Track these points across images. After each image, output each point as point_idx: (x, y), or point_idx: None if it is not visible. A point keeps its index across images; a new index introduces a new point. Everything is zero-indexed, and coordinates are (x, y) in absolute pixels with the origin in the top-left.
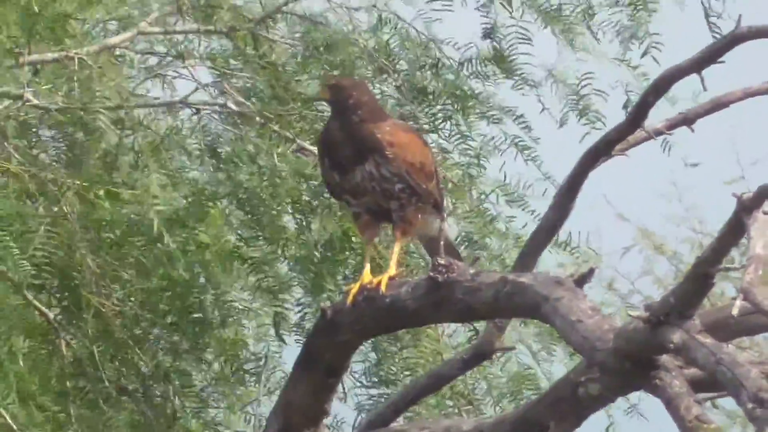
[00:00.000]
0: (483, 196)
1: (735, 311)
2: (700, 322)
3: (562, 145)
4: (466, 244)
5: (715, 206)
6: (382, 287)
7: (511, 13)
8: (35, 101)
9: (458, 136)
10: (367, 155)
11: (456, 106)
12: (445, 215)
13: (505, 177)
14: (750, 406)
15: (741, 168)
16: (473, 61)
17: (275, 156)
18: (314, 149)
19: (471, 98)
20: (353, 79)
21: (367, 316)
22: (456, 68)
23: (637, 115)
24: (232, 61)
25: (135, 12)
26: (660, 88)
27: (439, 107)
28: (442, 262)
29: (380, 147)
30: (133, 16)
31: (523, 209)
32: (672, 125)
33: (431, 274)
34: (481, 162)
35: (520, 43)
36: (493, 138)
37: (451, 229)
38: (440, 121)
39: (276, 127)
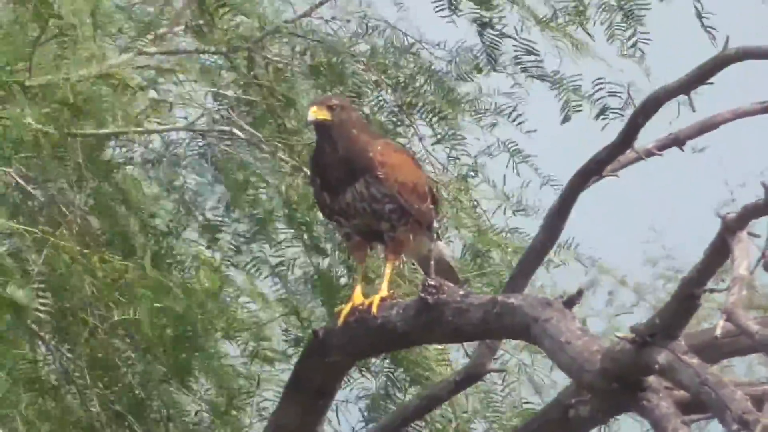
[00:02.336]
0: (479, 209)
1: (718, 332)
2: (689, 343)
3: (559, 143)
4: (472, 256)
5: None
6: (374, 308)
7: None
8: (36, 126)
9: (452, 142)
10: (358, 175)
11: (450, 109)
12: (437, 235)
13: (504, 181)
14: (734, 427)
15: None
16: (468, 54)
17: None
18: None
19: (461, 101)
20: (344, 99)
21: (359, 337)
22: (447, 69)
23: (627, 135)
24: (228, 79)
25: (132, 33)
26: (649, 109)
27: (433, 115)
28: (433, 283)
29: (372, 166)
30: (132, 36)
31: (527, 217)
32: (663, 146)
33: (421, 295)
34: (478, 170)
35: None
36: (488, 146)
37: (453, 244)
38: (435, 124)
39: (284, 155)
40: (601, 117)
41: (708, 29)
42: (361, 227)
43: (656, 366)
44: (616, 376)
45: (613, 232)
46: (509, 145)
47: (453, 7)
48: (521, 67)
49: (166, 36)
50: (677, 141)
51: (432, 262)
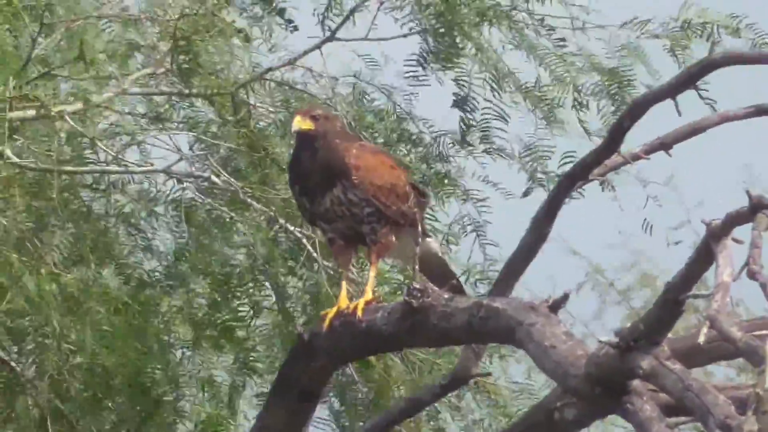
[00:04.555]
0: None
1: (702, 339)
2: (676, 348)
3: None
4: None
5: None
6: (359, 312)
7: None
8: (14, 158)
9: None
10: (335, 181)
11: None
12: (430, 234)
13: (469, 257)
14: None
15: (686, 211)
16: (444, 137)
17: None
18: (297, 232)
19: (442, 177)
20: (327, 109)
21: (344, 341)
22: (428, 145)
23: (613, 139)
24: (212, 129)
25: (115, 72)
26: (635, 113)
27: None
28: (417, 286)
29: (347, 171)
30: (114, 76)
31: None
32: (649, 150)
33: (406, 298)
34: (450, 244)
35: (493, 118)
36: (463, 216)
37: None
38: None
39: (259, 205)
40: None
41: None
42: (343, 230)
43: (640, 371)
44: (600, 380)
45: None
46: (474, 224)
47: (422, 65)
48: (486, 143)
49: (149, 78)
50: (664, 145)
51: (416, 266)
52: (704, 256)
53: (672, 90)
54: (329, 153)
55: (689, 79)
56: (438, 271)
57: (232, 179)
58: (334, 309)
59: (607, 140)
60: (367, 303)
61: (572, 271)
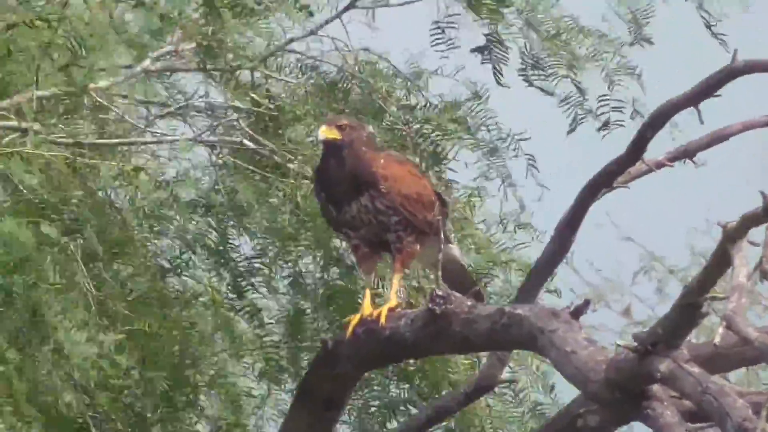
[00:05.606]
0: (484, 227)
1: (717, 340)
2: (699, 354)
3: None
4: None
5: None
6: (382, 319)
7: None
8: (42, 135)
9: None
10: (362, 190)
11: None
12: (453, 241)
13: (501, 206)
14: None
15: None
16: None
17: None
18: None
19: (460, 131)
20: (353, 119)
21: (367, 348)
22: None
23: (636, 148)
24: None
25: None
26: (656, 122)
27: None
28: (440, 293)
29: (375, 181)
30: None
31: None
32: (673, 158)
33: (429, 305)
34: (480, 194)
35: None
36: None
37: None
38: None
39: (293, 166)
40: (604, 130)
41: (719, 37)
42: (369, 237)
43: (658, 374)
44: (620, 385)
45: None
46: (503, 173)
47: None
48: (525, 80)
49: (172, 54)
50: (688, 153)
51: (439, 273)
52: (721, 259)
53: (694, 98)
54: (356, 162)
55: (710, 88)
56: (459, 278)
57: (267, 142)
58: (358, 316)
59: (629, 149)
60: (391, 310)
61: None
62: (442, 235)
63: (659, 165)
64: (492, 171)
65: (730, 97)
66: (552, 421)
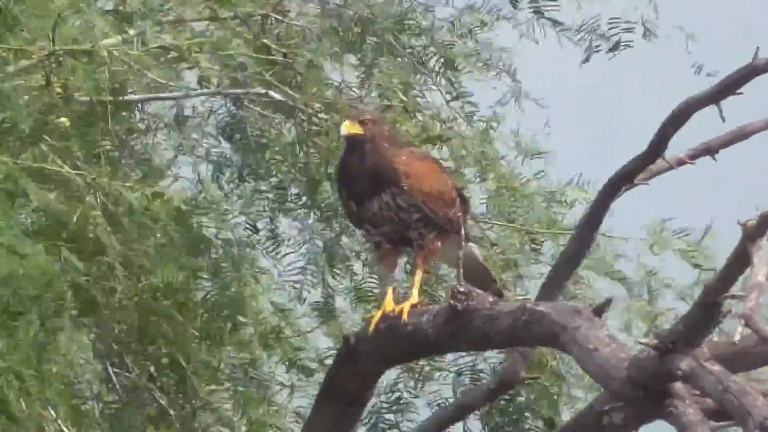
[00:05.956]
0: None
1: (737, 338)
2: (718, 352)
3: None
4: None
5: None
6: (404, 315)
7: None
8: (59, 90)
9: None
10: (384, 186)
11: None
12: (466, 237)
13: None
14: None
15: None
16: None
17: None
18: None
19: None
20: (375, 114)
21: (389, 344)
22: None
23: (658, 145)
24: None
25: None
26: (678, 119)
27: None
28: (462, 289)
29: (397, 178)
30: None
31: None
32: (694, 155)
33: (451, 302)
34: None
35: None
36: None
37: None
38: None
39: (322, 115)
40: (615, 51)
41: None
42: (390, 234)
43: (679, 372)
44: (642, 383)
45: None
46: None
47: None
48: (535, 11)
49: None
50: (709, 150)
51: (461, 270)
52: (741, 258)
53: (715, 96)
54: (378, 158)
55: (732, 86)
56: (479, 276)
57: (291, 92)
58: (380, 312)
59: (650, 146)
60: (413, 306)
61: None
62: (463, 233)
63: (680, 162)
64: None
65: (750, 95)
66: (578, 417)
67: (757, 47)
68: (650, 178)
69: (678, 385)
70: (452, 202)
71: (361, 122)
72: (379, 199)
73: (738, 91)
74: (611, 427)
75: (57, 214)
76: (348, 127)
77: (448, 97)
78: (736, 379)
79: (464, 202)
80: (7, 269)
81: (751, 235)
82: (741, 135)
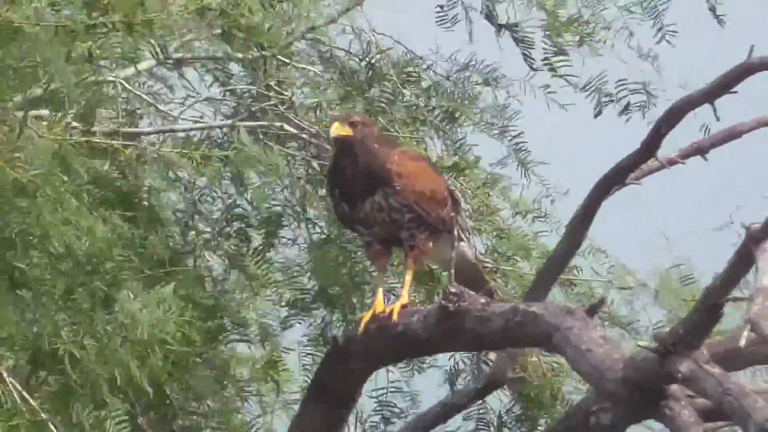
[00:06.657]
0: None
1: (742, 342)
2: (713, 352)
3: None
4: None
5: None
6: (394, 316)
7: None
8: (74, 123)
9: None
10: (377, 187)
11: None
12: (469, 239)
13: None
14: None
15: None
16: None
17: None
18: None
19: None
20: (364, 115)
21: (379, 344)
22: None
23: (650, 144)
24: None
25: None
26: (671, 118)
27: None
28: (454, 290)
29: (389, 178)
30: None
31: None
32: (686, 155)
33: (442, 302)
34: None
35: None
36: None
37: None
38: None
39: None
40: (625, 113)
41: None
42: (381, 235)
43: (679, 375)
44: (638, 384)
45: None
46: (521, 153)
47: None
48: (549, 68)
49: (193, 42)
50: (701, 150)
51: (452, 270)
52: (744, 260)
53: (709, 95)
54: (370, 159)
55: (725, 85)
56: (470, 277)
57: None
58: (370, 313)
59: (643, 145)
60: (404, 306)
61: None
62: (455, 233)
63: (672, 162)
64: (509, 158)
65: (744, 94)
66: (564, 418)
67: (752, 46)
68: (642, 177)
69: (673, 387)
70: (445, 202)
71: (351, 124)
72: (371, 199)
73: (732, 90)
74: (598, 428)
75: (109, 184)
76: (337, 129)
77: (448, 150)
78: (736, 381)
79: (456, 202)
80: (68, 241)
81: (755, 238)
82: (732, 135)
